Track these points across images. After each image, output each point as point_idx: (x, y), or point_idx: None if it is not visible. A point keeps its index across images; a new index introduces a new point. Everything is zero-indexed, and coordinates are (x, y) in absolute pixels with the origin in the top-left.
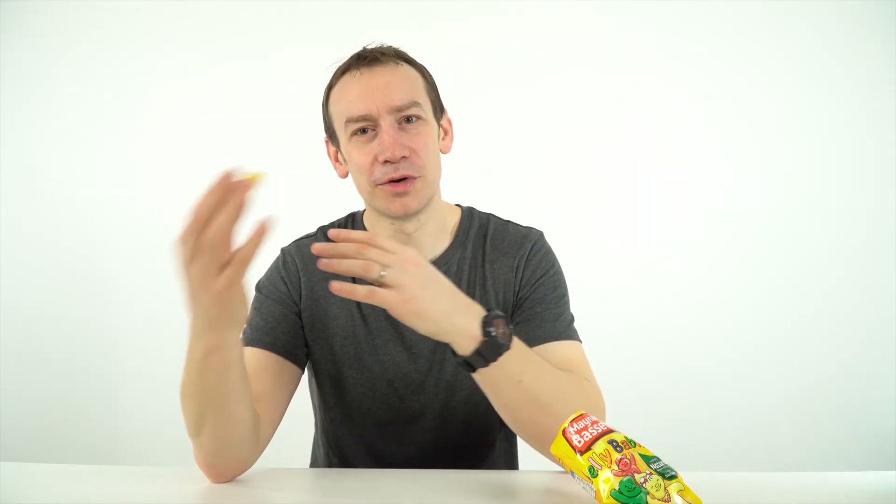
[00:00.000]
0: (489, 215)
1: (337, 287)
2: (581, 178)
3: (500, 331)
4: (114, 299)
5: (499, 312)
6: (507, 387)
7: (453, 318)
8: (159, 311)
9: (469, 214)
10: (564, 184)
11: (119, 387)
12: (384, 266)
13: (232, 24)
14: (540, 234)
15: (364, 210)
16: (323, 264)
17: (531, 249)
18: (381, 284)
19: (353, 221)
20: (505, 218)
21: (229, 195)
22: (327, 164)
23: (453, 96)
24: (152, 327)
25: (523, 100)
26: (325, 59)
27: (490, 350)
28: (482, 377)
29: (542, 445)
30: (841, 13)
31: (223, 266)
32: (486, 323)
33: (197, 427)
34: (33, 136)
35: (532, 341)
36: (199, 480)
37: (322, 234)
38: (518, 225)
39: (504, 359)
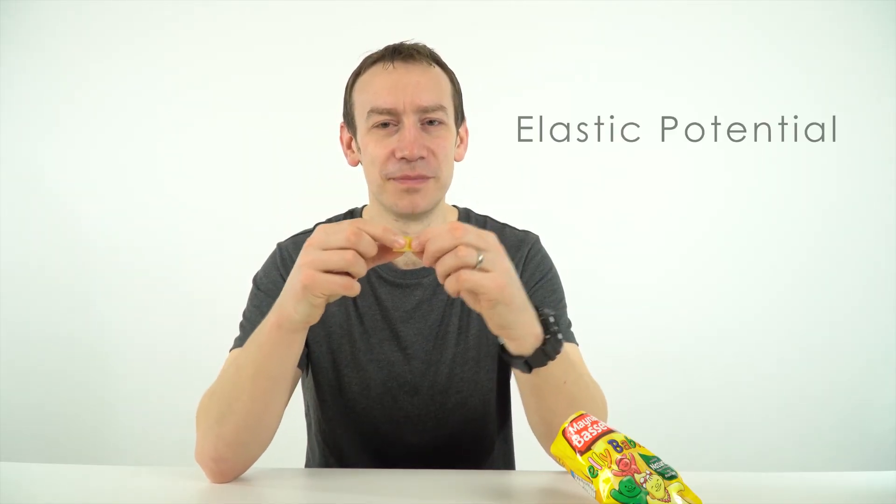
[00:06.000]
0: (486, 217)
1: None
2: (576, 180)
3: (555, 329)
4: (113, 299)
5: (546, 311)
6: (552, 388)
7: (526, 313)
8: (159, 311)
9: (466, 215)
10: (560, 187)
11: (119, 387)
12: (481, 250)
13: (235, 24)
14: (536, 238)
15: (364, 206)
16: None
17: (529, 253)
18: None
19: (352, 218)
20: (501, 221)
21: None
22: (325, 161)
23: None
24: (151, 328)
25: (518, 100)
26: (326, 61)
27: (552, 348)
28: (535, 378)
29: None
30: (843, 13)
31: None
32: (544, 322)
33: (226, 411)
34: (27, 139)
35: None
36: (198, 480)
37: None
38: (514, 228)
39: (558, 358)
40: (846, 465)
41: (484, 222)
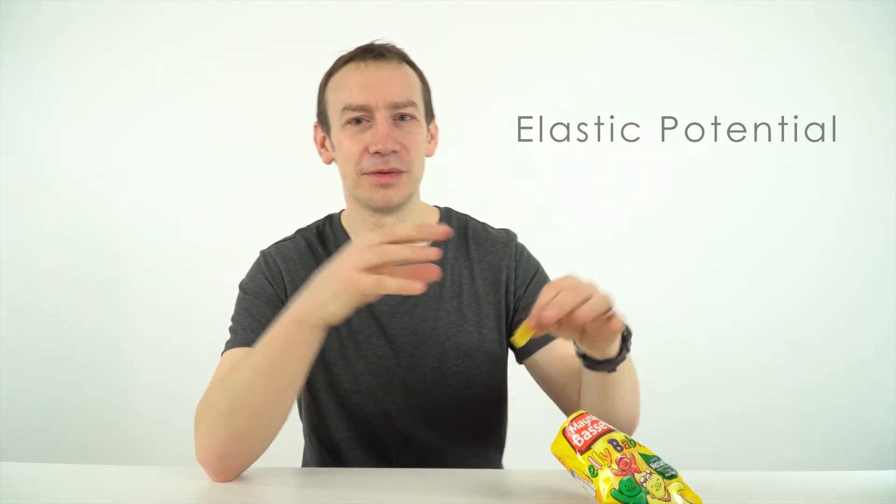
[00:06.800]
0: (466, 216)
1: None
2: (576, 181)
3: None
4: (117, 297)
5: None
6: (626, 378)
7: None
8: (165, 309)
9: (447, 214)
10: (560, 187)
11: (120, 387)
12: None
13: (234, 25)
14: (516, 235)
15: (341, 211)
16: None
17: (516, 250)
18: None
19: (330, 223)
20: (481, 220)
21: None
22: (305, 167)
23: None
24: (157, 326)
25: (518, 100)
26: (313, 63)
27: (628, 343)
28: (619, 374)
29: (633, 429)
30: (843, 13)
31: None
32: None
33: (236, 406)
34: (40, 130)
35: (542, 340)
36: (198, 480)
37: (301, 237)
38: (493, 227)
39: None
40: (846, 463)
41: (465, 221)
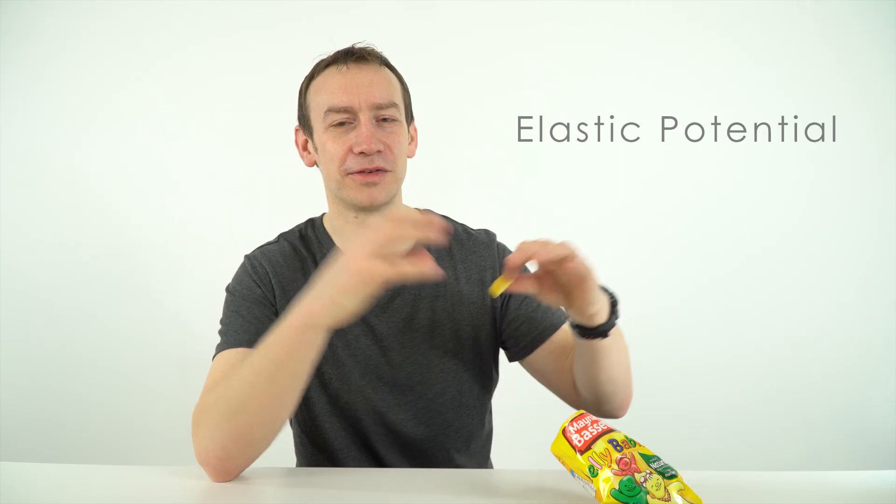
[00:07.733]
0: (446, 218)
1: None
2: (576, 181)
3: (611, 291)
4: (117, 297)
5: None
6: (617, 347)
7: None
8: (165, 309)
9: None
10: (560, 187)
11: (120, 386)
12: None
13: (233, 26)
14: (496, 235)
15: (322, 215)
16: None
17: (499, 250)
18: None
19: (313, 227)
20: (460, 221)
21: (429, 231)
22: (286, 173)
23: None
24: (157, 326)
25: (518, 100)
26: (299, 66)
27: (616, 309)
28: (610, 341)
29: (624, 410)
30: (843, 13)
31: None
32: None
33: (237, 409)
34: (40, 128)
35: (549, 329)
36: (198, 479)
37: (285, 240)
38: (471, 227)
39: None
40: (846, 463)
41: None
